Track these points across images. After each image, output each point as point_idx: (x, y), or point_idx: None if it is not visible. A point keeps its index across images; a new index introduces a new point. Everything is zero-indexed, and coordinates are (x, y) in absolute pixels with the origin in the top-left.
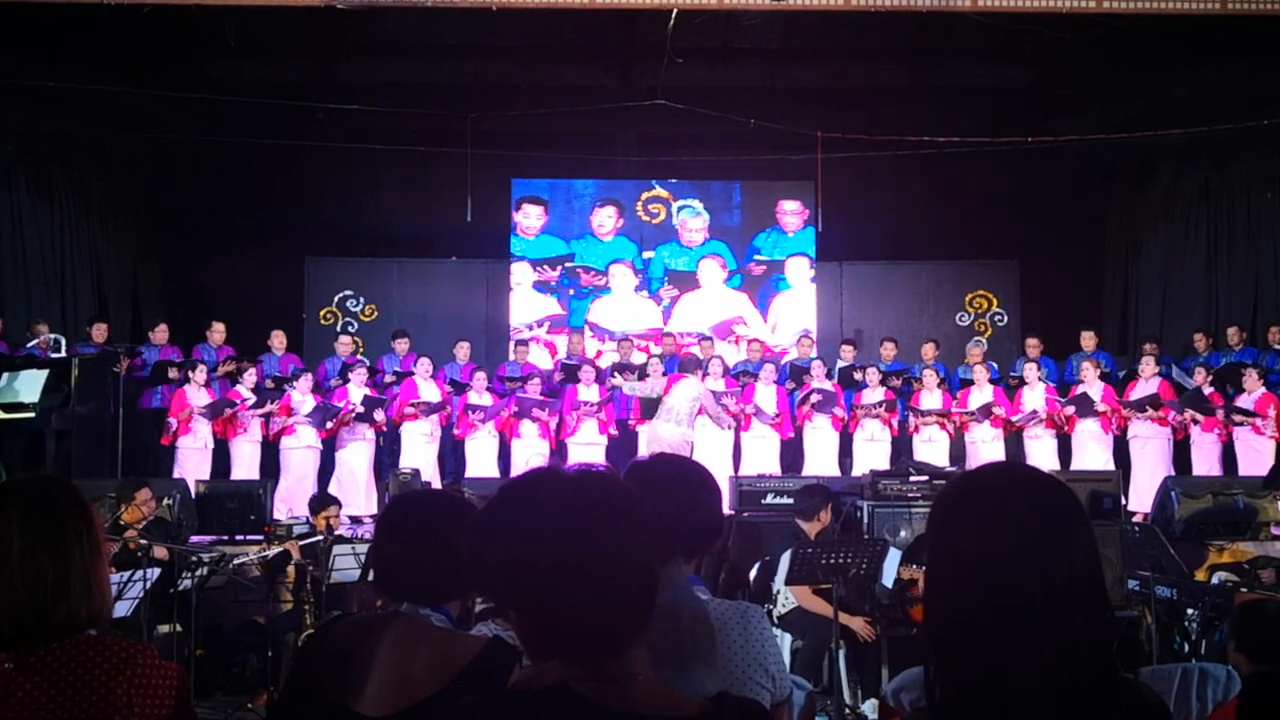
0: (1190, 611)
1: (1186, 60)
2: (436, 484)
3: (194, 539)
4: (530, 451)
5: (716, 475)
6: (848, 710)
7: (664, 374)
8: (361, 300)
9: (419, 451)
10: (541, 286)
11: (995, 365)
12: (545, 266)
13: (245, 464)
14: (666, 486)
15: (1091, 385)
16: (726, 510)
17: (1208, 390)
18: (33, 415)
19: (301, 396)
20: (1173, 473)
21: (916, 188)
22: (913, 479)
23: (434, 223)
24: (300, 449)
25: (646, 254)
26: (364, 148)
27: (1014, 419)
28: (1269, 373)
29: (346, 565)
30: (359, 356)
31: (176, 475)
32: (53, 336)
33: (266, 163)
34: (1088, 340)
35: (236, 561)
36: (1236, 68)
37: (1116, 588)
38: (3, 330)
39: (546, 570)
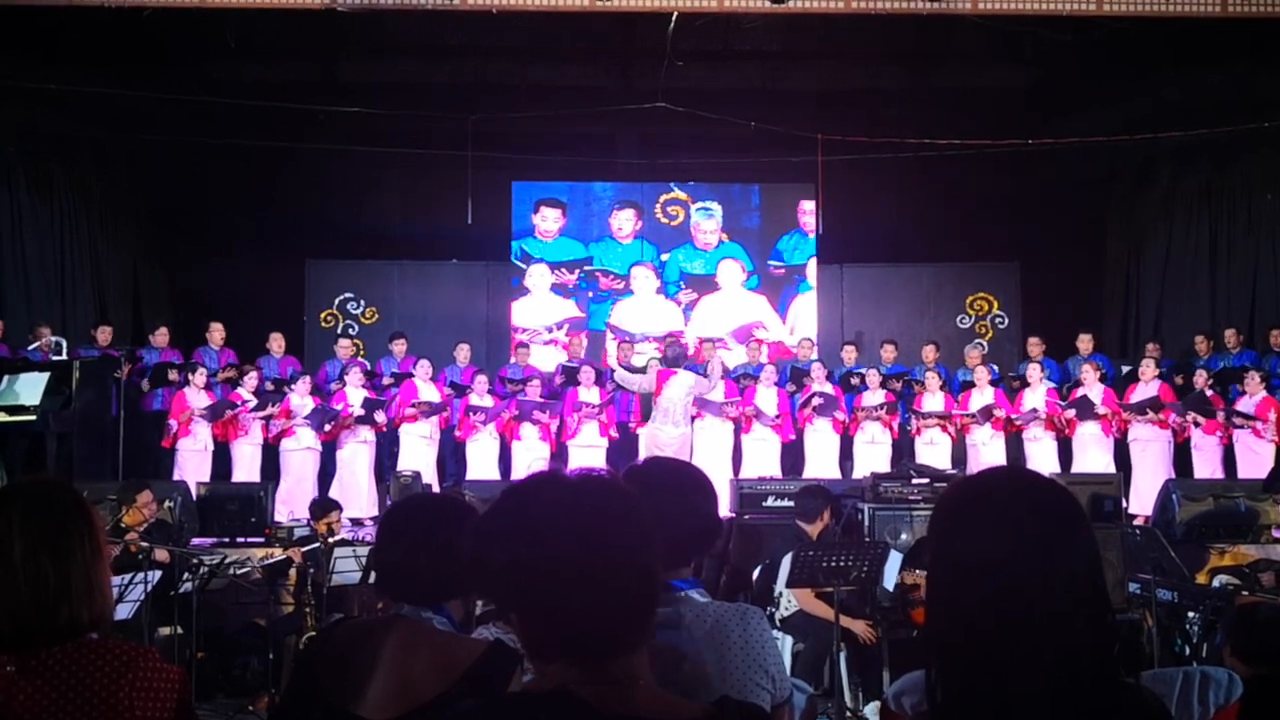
0: (1191, 614)
1: (1187, 62)
2: (435, 486)
3: (195, 541)
4: (531, 454)
5: (717, 478)
6: (849, 713)
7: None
8: (362, 303)
9: (418, 453)
10: (559, 289)
11: (995, 367)
12: (563, 269)
13: (246, 466)
14: (661, 491)
15: (1092, 388)
16: (727, 513)
17: (1208, 393)
18: (34, 418)
19: (301, 399)
20: (1173, 475)
21: (917, 190)
22: (914, 481)
23: (434, 224)
24: (300, 451)
25: (663, 256)
26: (364, 149)
27: (1014, 418)
28: (1270, 376)
29: (347, 568)
30: (359, 359)
31: (177, 478)
32: (54, 339)
33: (266, 164)
34: (1085, 343)
35: (238, 570)
36: (1236, 70)
37: (1117, 591)
38: (2, 333)
39: (548, 573)
